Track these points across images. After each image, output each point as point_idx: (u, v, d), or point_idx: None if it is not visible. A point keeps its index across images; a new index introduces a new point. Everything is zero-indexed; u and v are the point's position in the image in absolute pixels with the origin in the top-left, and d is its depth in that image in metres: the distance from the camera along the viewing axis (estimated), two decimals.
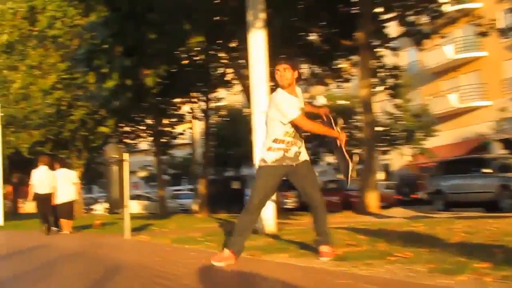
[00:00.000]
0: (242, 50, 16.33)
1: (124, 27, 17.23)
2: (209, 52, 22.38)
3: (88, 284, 4.88)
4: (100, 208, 42.72)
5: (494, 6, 28.73)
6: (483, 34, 21.28)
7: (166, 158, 40.41)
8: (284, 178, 5.56)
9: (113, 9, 17.49)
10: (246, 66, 14.44)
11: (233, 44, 20.46)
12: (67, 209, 13.96)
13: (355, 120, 34.19)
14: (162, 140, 30.26)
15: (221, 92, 31.72)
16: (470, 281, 3.87)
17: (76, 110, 28.82)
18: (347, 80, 23.60)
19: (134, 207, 33.04)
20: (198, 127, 35.46)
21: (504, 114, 33.60)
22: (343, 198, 26.00)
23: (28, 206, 39.29)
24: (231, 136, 39.08)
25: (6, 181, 30.85)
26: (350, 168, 5.45)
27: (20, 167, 35.48)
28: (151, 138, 31.12)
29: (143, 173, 56.60)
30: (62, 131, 29.73)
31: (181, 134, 31.89)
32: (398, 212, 17.60)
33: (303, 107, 5.52)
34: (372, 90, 20.26)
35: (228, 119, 41.58)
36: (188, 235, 9.65)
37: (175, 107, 29.06)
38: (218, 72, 26.29)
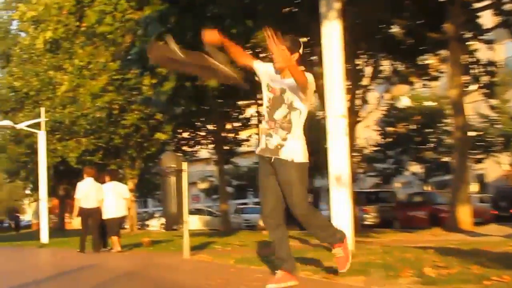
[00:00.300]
0: (315, 45, 16.30)
1: (182, 21, 17.44)
2: None
3: None
4: (156, 224, 43.25)
5: None
6: None
7: (230, 168, 40.56)
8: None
9: (170, 2, 17.74)
10: (319, 64, 14.41)
11: (304, 39, 20.48)
12: (116, 226, 14.36)
13: (444, 124, 33.75)
14: (224, 147, 30.38)
15: None
16: None
17: (129, 114, 28.92)
18: (434, 78, 23.42)
19: (193, 222, 33.41)
20: None
21: None
22: (430, 213, 25.80)
23: (76, 222, 40.20)
24: None
25: (51, 193, 31.61)
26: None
27: (67, 178, 36.21)
28: (213, 145, 31.25)
29: (203, 185, 57.18)
30: (114, 138, 29.96)
31: (246, 140, 32.03)
32: (494, 229, 17.33)
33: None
34: (463, 89, 19.97)
35: None
36: (254, 254, 9.67)
37: (239, 110, 29.21)
38: None
